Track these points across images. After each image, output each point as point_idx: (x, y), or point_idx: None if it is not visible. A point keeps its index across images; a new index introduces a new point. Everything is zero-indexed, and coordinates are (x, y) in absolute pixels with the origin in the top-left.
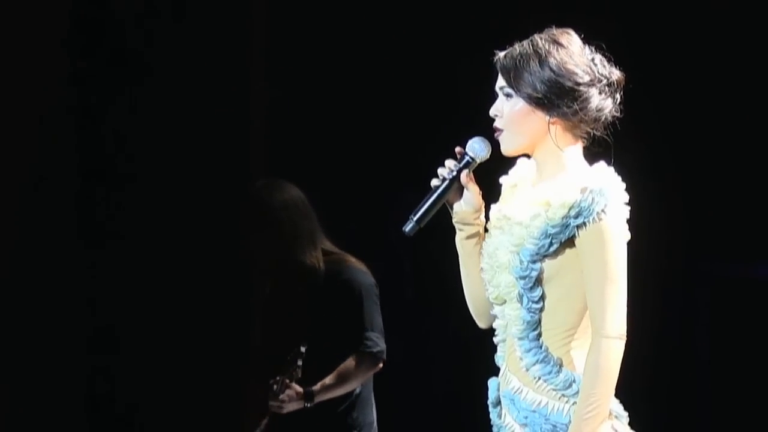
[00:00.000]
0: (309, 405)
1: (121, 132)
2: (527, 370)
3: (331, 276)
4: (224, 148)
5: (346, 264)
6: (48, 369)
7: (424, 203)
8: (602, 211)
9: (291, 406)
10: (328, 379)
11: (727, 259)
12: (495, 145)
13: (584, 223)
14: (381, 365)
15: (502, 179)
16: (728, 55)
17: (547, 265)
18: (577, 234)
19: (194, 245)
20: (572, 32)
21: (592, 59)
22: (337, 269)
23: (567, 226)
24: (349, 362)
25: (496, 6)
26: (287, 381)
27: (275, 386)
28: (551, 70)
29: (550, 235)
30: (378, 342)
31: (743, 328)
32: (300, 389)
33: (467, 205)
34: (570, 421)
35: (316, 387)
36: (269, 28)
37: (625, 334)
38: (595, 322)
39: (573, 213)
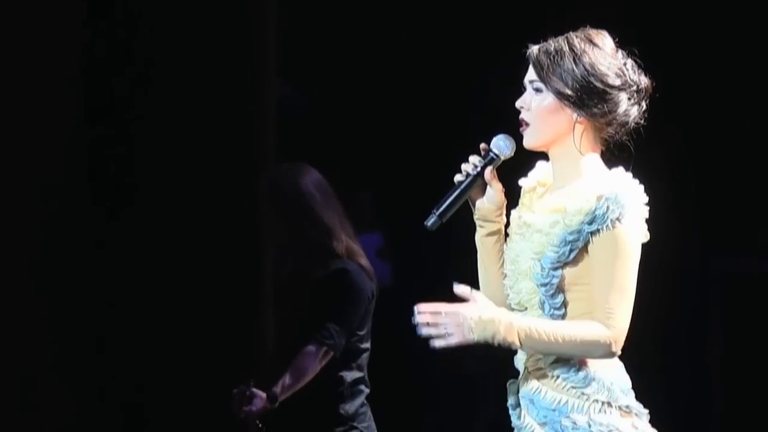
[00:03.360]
0: (275, 406)
1: (129, 125)
2: (546, 368)
3: (321, 268)
4: (231, 144)
5: (342, 260)
6: (58, 368)
7: (447, 198)
8: (617, 219)
9: (258, 411)
10: (286, 377)
11: (740, 255)
12: (518, 140)
13: (598, 230)
14: (331, 356)
15: (521, 181)
16: (743, 54)
17: (568, 272)
18: (590, 240)
19: (202, 238)
20: (607, 34)
21: (624, 64)
22: (329, 263)
23: (582, 232)
24: (302, 354)
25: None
26: (250, 389)
27: (237, 396)
28: (584, 68)
29: (569, 242)
30: (334, 336)
31: (757, 323)
32: (263, 394)
33: (489, 202)
34: (590, 419)
35: (277, 388)
36: (284, 27)
37: (622, 342)
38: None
39: (588, 220)
